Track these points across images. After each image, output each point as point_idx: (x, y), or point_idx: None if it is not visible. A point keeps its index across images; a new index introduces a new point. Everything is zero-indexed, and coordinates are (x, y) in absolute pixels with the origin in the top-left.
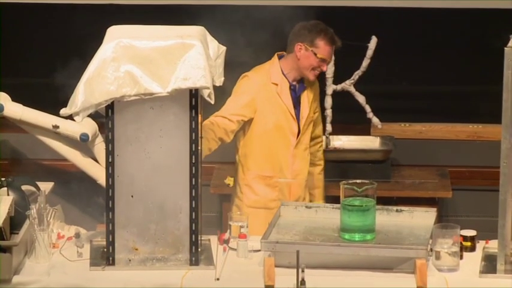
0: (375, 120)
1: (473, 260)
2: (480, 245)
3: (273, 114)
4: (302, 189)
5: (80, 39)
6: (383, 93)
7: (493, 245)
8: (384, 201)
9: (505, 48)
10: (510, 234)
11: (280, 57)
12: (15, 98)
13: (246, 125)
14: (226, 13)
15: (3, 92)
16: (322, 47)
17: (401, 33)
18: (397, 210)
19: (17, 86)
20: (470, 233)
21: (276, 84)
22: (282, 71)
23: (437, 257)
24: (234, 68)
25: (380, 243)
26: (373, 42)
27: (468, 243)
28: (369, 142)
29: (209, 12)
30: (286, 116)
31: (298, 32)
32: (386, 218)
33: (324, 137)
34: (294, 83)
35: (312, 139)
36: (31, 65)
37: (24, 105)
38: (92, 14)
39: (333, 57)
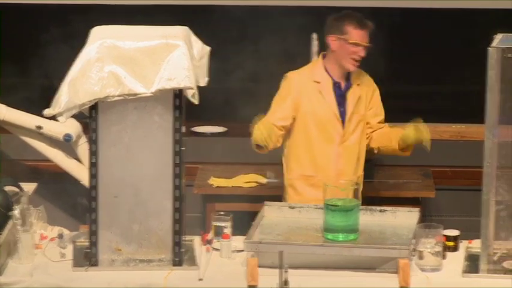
0: None
1: (456, 259)
2: (463, 244)
3: (315, 113)
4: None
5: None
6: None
7: (476, 245)
8: (368, 201)
9: (489, 48)
10: (493, 234)
11: (324, 57)
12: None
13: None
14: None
15: None
16: (352, 32)
17: (383, 33)
18: (380, 210)
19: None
20: (453, 232)
21: (318, 82)
22: (325, 69)
23: (420, 257)
24: None
25: (363, 243)
26: None
27: (451, 243)
28: None
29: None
30: (328, 114)
31: (328, 25)
32: (370, 218)
33: None
34: (339, 80)
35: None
36: (17, 66)
37: (8, 105)
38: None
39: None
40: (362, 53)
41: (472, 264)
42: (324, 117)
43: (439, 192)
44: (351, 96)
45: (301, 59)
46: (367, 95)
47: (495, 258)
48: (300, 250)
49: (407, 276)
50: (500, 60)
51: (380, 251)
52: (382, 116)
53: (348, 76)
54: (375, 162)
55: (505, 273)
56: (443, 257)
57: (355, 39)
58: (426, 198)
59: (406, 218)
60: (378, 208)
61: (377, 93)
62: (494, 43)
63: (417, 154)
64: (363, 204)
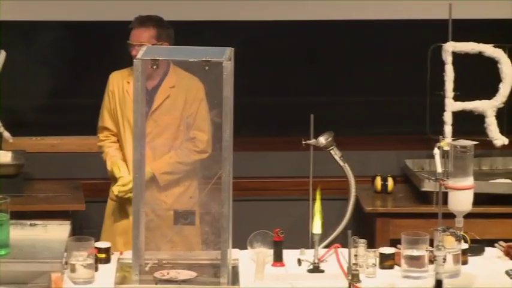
0: (6, 134)
1: (109, 271)
2: (115, 256)
3: (122, 113)
4: None
5: None
6: (27, 107)
7: (128, 256)
8: (18, 215)
9: (135, 60)
10: (143, 244)
11: None
12: None
13: None
14: None
15: None
16: (131, 34)
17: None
18: (31, 225)
19: None
20: (105, 244)
21: (128, 83)
22: None
23: (73, 270)
24: None
25: (15, 258)
26: (1, 56)
27: (103, 255)
28: (1, 157)
29: None
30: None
31: None
32: (21, 233)
33: None
34: (150, 81)
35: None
36: None
37: None
38: None
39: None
40: (134, 52)
41: (124, 275)
42: (130, 117)
43: (89, 205)
44: (158, 97)
45: None
46: (186, 100)
47: (146, 268)
48: None
49: None
50: (144, 72)
51: (32, 265)
52: (200, 132)
53: (163, 77)
54: (24, 177)
55: (156, 284)
56: (96, 269)
57: (130, 41)
58: (76, 211)
59: (58, 231)
60: (29, 222)
61: (202, 104)
62: (139, 54)
63: (67, 167)
64: (13, 218)
